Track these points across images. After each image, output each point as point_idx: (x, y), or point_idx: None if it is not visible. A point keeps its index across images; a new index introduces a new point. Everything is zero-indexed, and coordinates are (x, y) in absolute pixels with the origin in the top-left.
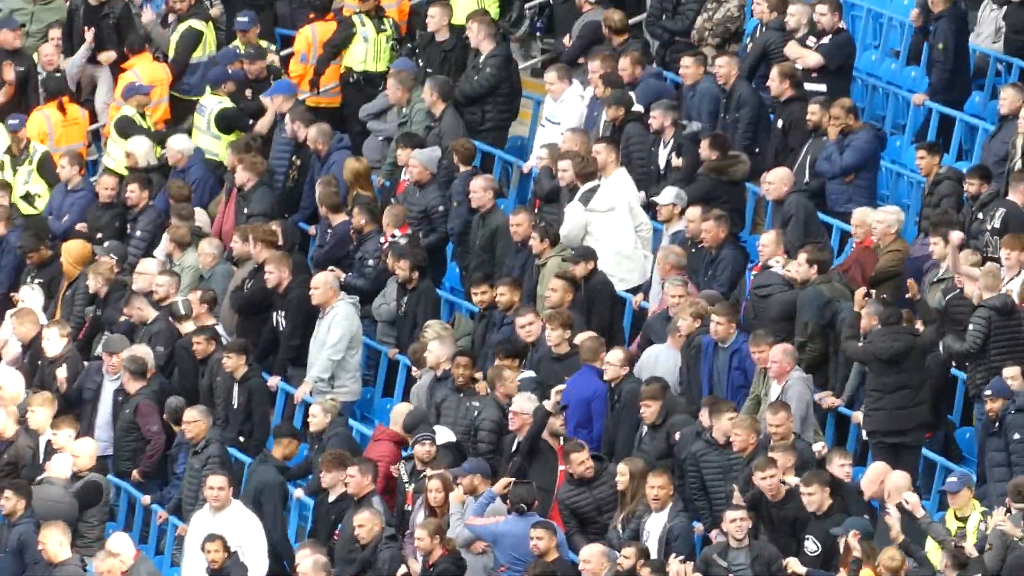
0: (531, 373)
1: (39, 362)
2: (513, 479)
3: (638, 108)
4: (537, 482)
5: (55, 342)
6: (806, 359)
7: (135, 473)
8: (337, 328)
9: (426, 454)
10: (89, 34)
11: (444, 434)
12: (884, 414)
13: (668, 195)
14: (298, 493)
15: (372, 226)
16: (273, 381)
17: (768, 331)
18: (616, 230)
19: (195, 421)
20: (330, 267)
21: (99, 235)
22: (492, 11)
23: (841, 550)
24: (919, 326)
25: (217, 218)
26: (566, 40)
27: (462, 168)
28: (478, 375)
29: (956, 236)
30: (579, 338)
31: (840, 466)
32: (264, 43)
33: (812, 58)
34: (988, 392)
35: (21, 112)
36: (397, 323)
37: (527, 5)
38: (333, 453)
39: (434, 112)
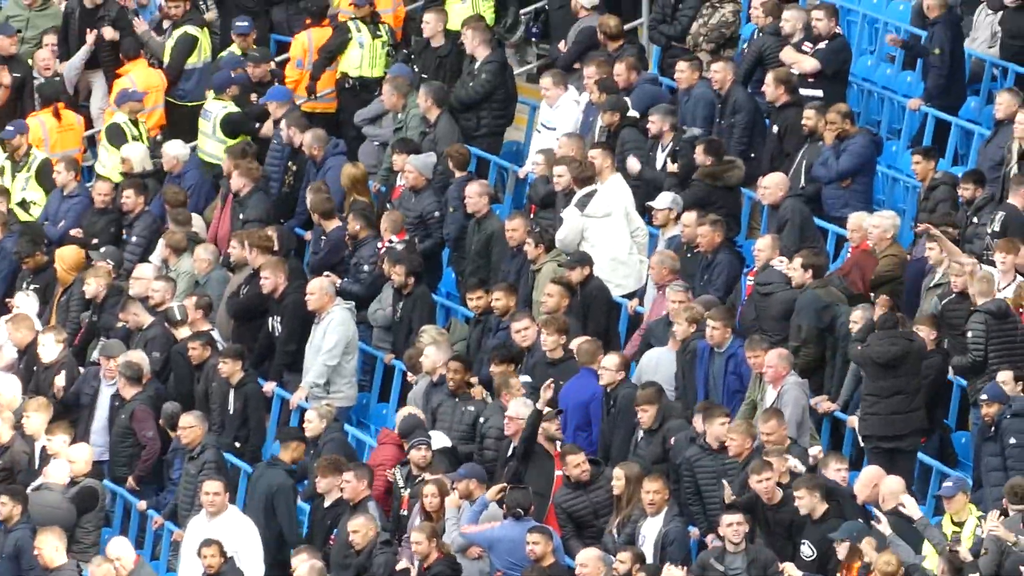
0: (527, 378)
1: (35, 368)
2: (507, 485)
3: (633, 114)
4: (533, 487)
5: (51, 348)
6: (800, 363)
7: (130, 479)
8: (333, 334)
9: (421, 459)
10: (91, 36)
11: (440, 439)
12: (880, 419)
13: (664, 200)
14: None
15: (367, 232)
16: (269, 387)
17: (764, 336)
18: (612, 236)
19: (191, 427)
20: (325, 273)
21: (95, 240)
22: (487, 17)
23: (839, 555)
24: (919, 329)
25: (213, 224)
26: (561, 46)
27: (457, 174)
28: (473, 380)
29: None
30: (577, 341)
31: (836, 471)
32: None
33: (809, 63)
34: (984, 397)
35: (17, 118)
36: (393, 328)
37: (522, 11)
38: (329, 458)
39: (429, 118)
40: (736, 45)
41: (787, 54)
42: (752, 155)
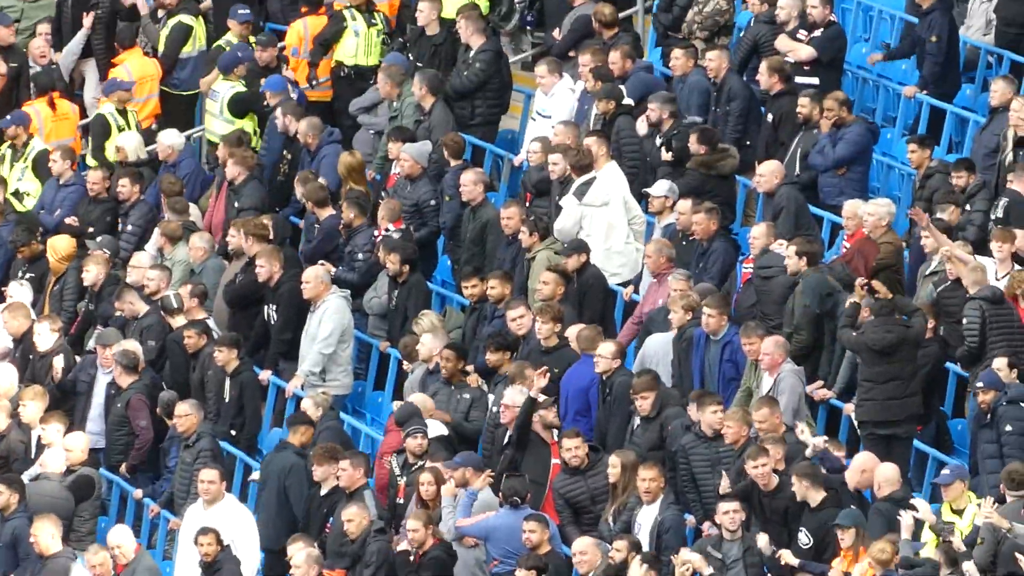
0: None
1: (30, 356)
2: (494, 473)
3: (628, 101)
4: (529, 475)
5: (46, 336)
6: (792, 349)
7: (123, 468)
8: (328, 322)
9: (418, 447)
10: (88, 19)
11: (436, 427)
12: (875, 404)
13: (661, 187)
14: None
15: (362, 220)
16: (264, 375)
17: (761, 322)
18: (609, 225)
19: (186, 415)
20: (320, 261)
21: (90, 229)
22: (482, 5)
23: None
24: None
25: (208, 212)
26: (556, 34)
27: (452, 162)
28: (469, 368)
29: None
30: (576, 328)
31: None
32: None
33: (804, 51)
34: (980, 384)
35: (14, 108)
36: (388, 317)
37: None
38: (324, 446)
39: (424, 106)
40: (731, 33)
41: (782, 42)
42: (747, 143)
